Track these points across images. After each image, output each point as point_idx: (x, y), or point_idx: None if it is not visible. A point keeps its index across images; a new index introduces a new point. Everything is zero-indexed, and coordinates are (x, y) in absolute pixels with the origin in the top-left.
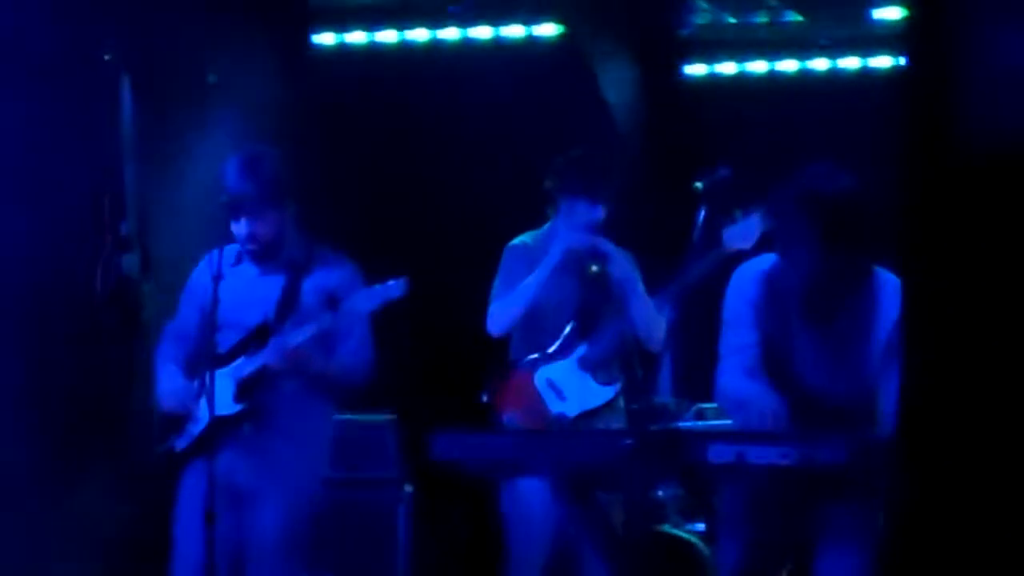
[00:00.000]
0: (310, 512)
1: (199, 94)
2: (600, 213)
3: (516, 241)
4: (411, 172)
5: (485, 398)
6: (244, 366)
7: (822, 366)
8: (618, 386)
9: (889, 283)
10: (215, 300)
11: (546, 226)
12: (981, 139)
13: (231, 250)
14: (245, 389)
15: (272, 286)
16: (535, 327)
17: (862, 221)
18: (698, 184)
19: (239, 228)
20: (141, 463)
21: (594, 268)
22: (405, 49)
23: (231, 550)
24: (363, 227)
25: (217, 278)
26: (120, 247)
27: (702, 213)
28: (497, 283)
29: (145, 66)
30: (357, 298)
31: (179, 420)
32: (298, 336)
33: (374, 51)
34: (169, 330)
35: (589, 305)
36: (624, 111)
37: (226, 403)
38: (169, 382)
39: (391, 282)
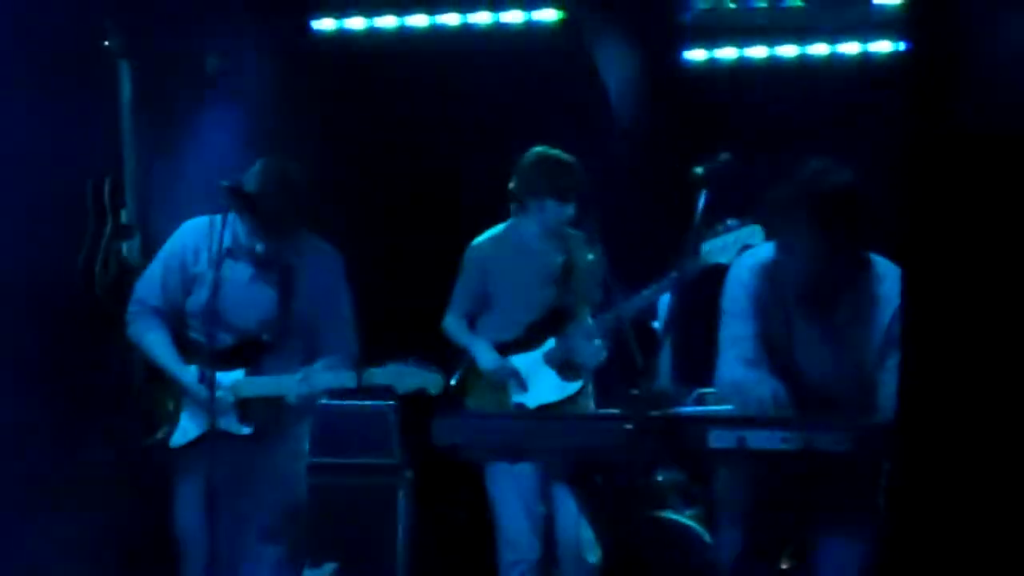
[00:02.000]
0: (303, 502)
1: (198, 81)
2: (571, 211)
3: (476, 242)
4: (410, 158)
5: (452, 383)
6: (247, 386)
7: (822, 356)
8: (580, 384)
9: (889, 272)
10: (214, 292)
11: (508, 222)
12: (981, 124)
13: (226, 231)
14: (249, 410)
15: (266, 291)
16: (504, 315)
17: (859, 216)
18: (698, 169)
19: (251, 226)
20: (141, 451)
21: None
22: (404, 35)
23: (232, 544)
24: (361, 213)
25: (219, 263)
26: (120, 234)
27: (702, 198)
28: (456, 288)
29: (145, 53)
30: (392, 374)
31: (169, 412)
32: (320, 383)
33: (373, 37)
34: (148, 295)
35: (559, 302)
36: (624, 97)
37: (230, 421)
38: (183, 372)
39: (432, 374)
